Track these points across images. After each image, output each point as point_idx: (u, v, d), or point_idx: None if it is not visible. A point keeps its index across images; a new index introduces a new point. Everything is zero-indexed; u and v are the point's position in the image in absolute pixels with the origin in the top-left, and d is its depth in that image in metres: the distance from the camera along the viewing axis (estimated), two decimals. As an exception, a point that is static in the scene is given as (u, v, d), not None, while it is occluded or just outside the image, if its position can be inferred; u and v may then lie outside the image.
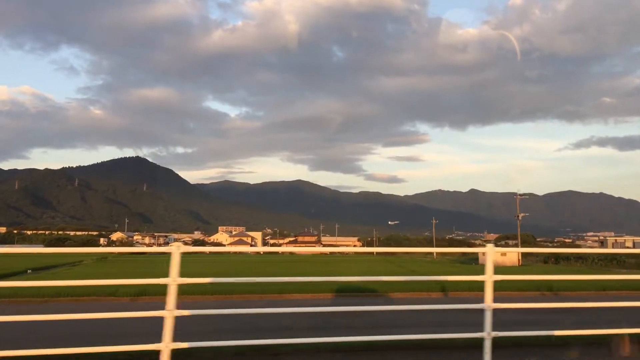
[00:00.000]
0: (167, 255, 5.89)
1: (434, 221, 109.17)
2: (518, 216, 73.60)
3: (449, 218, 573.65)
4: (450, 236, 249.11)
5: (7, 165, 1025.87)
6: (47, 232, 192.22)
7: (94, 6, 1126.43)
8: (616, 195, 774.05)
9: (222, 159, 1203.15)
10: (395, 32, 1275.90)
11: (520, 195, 77.51)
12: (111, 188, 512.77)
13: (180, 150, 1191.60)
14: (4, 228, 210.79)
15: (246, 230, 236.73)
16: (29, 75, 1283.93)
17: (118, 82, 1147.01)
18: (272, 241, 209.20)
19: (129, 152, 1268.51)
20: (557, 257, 65.40)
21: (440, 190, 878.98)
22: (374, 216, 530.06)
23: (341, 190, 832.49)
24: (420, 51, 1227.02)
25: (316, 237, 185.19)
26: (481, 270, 6.57)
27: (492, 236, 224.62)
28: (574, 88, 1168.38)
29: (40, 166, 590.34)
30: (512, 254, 61.10)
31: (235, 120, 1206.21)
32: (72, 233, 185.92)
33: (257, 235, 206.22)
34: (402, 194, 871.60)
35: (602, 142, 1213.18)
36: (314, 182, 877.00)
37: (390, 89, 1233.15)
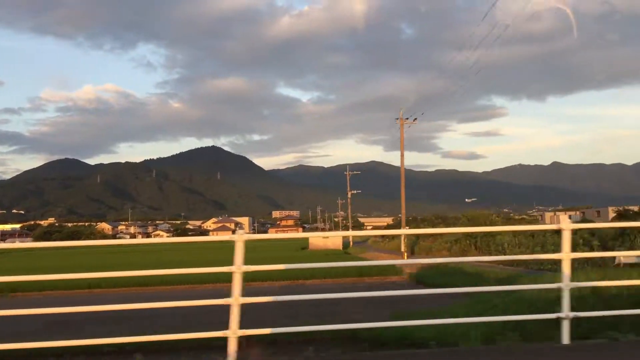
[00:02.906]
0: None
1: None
2: (348, 193, 73.25)
3: (529, 193, 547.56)
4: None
5: (94, 160, 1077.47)
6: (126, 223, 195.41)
7: (166, 2, 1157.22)
8: None
9: (297, 144, 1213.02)
10: (464, 4, 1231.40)
11: (350, 172, 76.56)
12: (187, 178, 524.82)
13: (256, 137, 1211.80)
14: (51, 220, 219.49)
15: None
16: (111, 74, 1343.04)
17: (193, 75, 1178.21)
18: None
19: (208, 142, 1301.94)
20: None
21: (520, 164, 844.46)
22: (449, 194, 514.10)
23: (416, 170, 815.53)
24: (491, 22, 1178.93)
25: (294, 222, 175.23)
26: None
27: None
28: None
29: (124, 160, 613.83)
30: (336, 238, 56.89)
31: (308, 105, 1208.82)
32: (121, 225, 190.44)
33: (245, 220, 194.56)
34: (480, 171, 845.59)
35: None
36: (389, 163, 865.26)
37: (463, 63, 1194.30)
